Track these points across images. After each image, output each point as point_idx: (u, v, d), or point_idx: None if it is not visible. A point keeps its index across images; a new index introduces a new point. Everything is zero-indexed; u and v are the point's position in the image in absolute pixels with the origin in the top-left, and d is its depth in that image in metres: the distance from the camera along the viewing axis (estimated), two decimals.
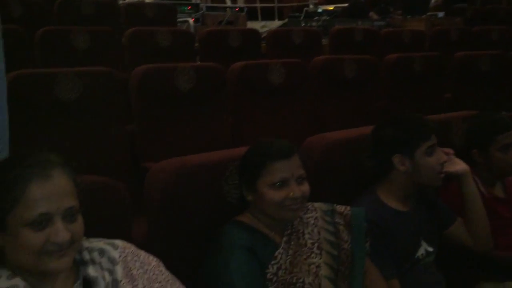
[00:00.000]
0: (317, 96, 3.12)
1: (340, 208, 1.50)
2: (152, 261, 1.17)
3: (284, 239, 1.38)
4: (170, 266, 1.22)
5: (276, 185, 1.33)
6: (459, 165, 1.69)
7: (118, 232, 1.24)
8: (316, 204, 1.48)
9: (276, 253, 1.33)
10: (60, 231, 0.97)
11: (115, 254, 1.12)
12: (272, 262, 1.32)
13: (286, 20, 6.87)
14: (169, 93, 2.52)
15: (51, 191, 0.98)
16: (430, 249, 1.66)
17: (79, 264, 1.08)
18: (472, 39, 4.99)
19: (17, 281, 0.99)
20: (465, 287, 1.85)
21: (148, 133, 2.51)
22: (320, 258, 1.37)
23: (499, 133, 1.88)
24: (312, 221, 1.44)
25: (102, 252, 1.11)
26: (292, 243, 1.37)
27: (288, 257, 1.34)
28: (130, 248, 1.16)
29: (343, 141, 1.70)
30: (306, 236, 1.41)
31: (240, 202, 1.44)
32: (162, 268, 1.18)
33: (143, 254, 1.17)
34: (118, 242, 1.15)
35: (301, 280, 1.30)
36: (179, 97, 2.54)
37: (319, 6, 7.46)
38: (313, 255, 1.38)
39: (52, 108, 2.15)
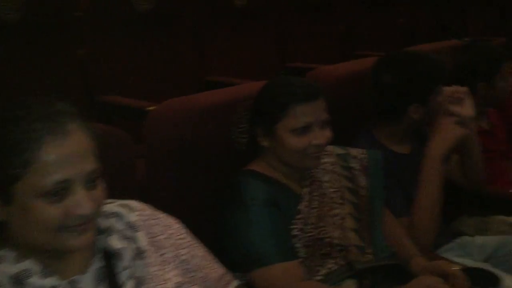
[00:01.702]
0: (283, 19, 2.91)
1: (354, 151, 1.37)
2: (174, 224, 0.99)
3: (307, 190, 1.24)
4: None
5: (298, 130, 1.16)
6: (469, 109, 1.46)
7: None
8: (330, 147, 1.33)
9: (301, 206, 1.20)
10: (83, 202, 0.76)
11: (133, 217, 0.92)
12: (297, 216, 1.18)
13: None
14: (125, 15, 2.20)
15: (70, 151, 0.75)
16: None
17: (96, 233, 0.87)
18: None
19: (28, 264, 0.78)
20: (447, 220, 1.86)
21: (101, 61, 2.20)
22: (344, 209, 1.26)
23: (503, 62, 1.83)
24: (330, 167, 1.31)
25: (118, 216, 0.91)
26: (315, 193, 1.24)
27: (313, 210, 1.21)
28: (148, 209, 0.97)
29: (351, 74, 1.55)
30: (326, 184, 1.28)
31: (252, 148, 1.26)
32: (184, 230, 1.01)
33: (162, 216, 0.99)
34: (134, 203, 0.96)
35: (329, 234, 1.19)
36: (136, 19, 2.22)
37: None
38: (336, 205, 1.26)
39: None
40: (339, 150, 1.37)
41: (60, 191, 0.75)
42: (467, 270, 1.21)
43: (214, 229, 1.17)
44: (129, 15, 2.24)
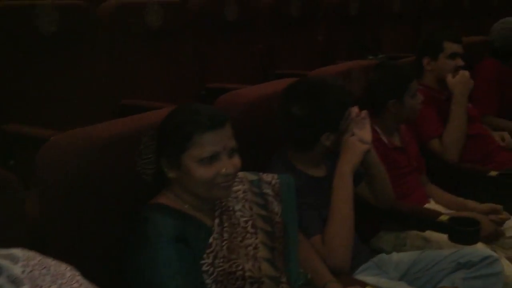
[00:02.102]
0: (199, 39, 2.87)
1: (267, 176, 1.35)
2: (66, 271, 0.91)
3: (216, 221, 1.19)
4: (78, 264, 0.96)
5: (205, 160, 1.12)
6: (367, 135, 1.49)
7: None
8: (241, 174, 1.30)
9: (211, 239, 1.15)
10: None
11: (17, 270, 0.83)
12: (207, 250, 1.13)
13: None
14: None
15: None
16: None
17: None
18: None
19: None
20: (365, 238, 1.88)
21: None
22: (256, 238, 1.22)
23: (411, 81, 1.88)
24: (242, 195, 1.27)
25: None
26: (226, 224, 1.20)
27: (224, 242, 1.16)
28: (35, 258, 0.88)
29: (261, 98, 1.53)
30: (238, 213, 1.24)
31: (158, 180, 1.20)
32: (79, 277, 0.92)
33: (52, 264, 0.90)
34: (18, 252, 0.86)
35: (241, 267, 1.14)
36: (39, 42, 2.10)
37: None
38: (248, 235, 1.22)
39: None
40: (251, 176, 1.33)
41: None
42: None
43: (120, 269, 1.10)
44: (33, 38, 2.11)
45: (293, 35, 3.44)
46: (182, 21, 2.72)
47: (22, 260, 0.85)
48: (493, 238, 1.80)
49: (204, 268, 1.11)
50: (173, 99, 2.49)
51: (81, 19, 2.27)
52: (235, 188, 1.27)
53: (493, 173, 2.01)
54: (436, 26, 4.15)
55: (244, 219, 1.24)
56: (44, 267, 0.87)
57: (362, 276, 1.47)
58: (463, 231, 1.58)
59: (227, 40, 3.00)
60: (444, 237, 1.64)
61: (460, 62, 2.25)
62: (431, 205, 1.97)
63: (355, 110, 1.47)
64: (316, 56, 3.62)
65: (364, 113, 1.50)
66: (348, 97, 1.48)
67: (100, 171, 1.13)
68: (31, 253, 0.88)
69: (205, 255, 1.12)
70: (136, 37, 2.52)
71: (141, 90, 2.50)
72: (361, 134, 1.47)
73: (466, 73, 2.21)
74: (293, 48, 3.43)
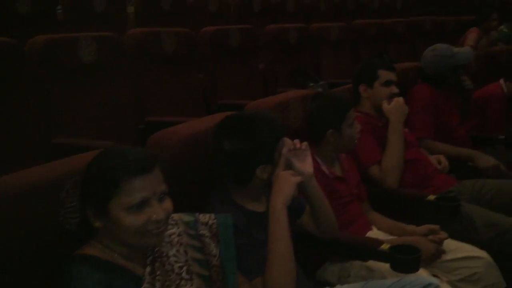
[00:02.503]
0: (138, 72, 2.82)
1: (204, 217, 1.30)
2: None
3: (147, 269, 1.12)
4: None
5: (134, 207, 1.06)
6: (309, 167, 1.47)
7: None
8: (176, 216, 1.25)
9: None
10: None
11: None
12: None
13: None
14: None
15: None
16: None
17: None
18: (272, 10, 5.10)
19: None
20: (311, 270, 1.86)
21: None
22: (192, 285, 1.17)
23: (348, 110, 1.90)
24: (176, 239, 1.22)
25: None
26: (158, 272, 1.13)
27: None
28: None
29: (195, 135, 1.48)
30: (172, 259, 1.18)
31: (83, 229, 1.13)
32: None
33: None
34: None
35: None
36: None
37: None
38: (183, 282, 1.16)
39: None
40: (187, 217, 1.28)
41: None
42: None
43: None
44: None
45: (234, 64, 3.44)
46: (118, 54, 2.65)
47: None
48: (435, 258, 1.82)
49: None
50: (110, 135, 2.41)
51: (10, 56, 2.17)
52: (169, 232, 1.21)
53: (431, 197, 2.04)
54: (372, 52, 4.29)
55: (179, 264, 1.18)
56: None
57: None
58: (404, 259, 1.58)
59: (166, 71, 2.96)
60: (387, 266, 1.64)
61: (394, 89, 2.30)
62: (374, 232, 1.97)
63: (295, 142, 1.44)
64: (258, 85, 3.63)
65: (305, 144, 1.47)
66: (280, 129, 1.46)
67: (17, 222, 1.05)
68: None
69: None
70: (69, 72, 2.44)
71: (76, 127, 2.40)
72: (301, 166, 1.44)
73: (400, 99, 2.27)
74: (235, 77, 3.43)
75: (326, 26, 4.26)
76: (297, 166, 1.43)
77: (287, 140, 1.45)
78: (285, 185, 1.38)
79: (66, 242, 1.11)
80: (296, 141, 1.46)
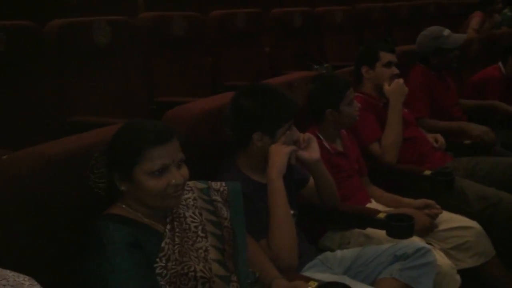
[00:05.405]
0: (148, 54, 2.93)
1: (216, 184, 1.44)
2: (25, 281, 0.96)
3: (168, 227, 1.27)
4: (34, 275, 1.02)
5: (155, 172, 1.20)
6: (315, 153, 1.62)
7: None
8: (191, 183, 1.39)
9: (163, 244, 1.22)
10: None
11: None
12: (160, 254, 1.20)
13: None
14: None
15: None
16: (292, 211, 1.71)
17: None
18: None
19: None
20: (313, 239, 2.00)
21: None
22: (207, 241, 1.31)
23: (346, 90, 2.02)
24: (192, 202, 1.36)
25: None
26: (177, 230, 1.27)
27: (176, 246, 1.24)
28: None
29: (207, 112, 1.61)
30: (189, 219, 1.32)
31: (110, 193, 1.27)
32: (37, 286, 0.98)
33: (11, 275, 0.95)
34: None
35: (192, 268, 1.23)
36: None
37: None
38: (199, 239, 1.30)
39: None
40: (201, 184, 1.42)
41: None
42: (321, 286, 1.31)
43: (75, 279, 1.16)
44: None
45: (241, 47, 3.54)
46: (130, 38, 2.77)
47: None
48: (428, 230, 1.95)
49: (158, 271, 1.19)
50: (123, 114, 2.55)
51: (28, 39, 2.30)
52: (185, 196, 1.35)
53: (427, 172, 2.17)
54: (376, 36, 4.38)
55: (195, 224, 1.32)
56: (4, 279, 0.93)
57: (308, 273, 1.58)
58: (398, 226, 1.71)
59: (175, 54, 3.07)
60: (383, 233, 1.77)
61: (395, 70, 2.41)
62: (373, 204, 2.11)
63: (300, 138, 1.59)
64: (263, 68, 3.74)
65: (307, 135, 1.63)
66: (292, 106, 1.58)
67: (53, 187, 1.18)
68: None
69: (158, 259, 1.20)
70: (84, 54, 2.56)
71: (90, 106, 2.53)
72: (306, 154, 1.60)
73: (400, 80, 2.38)
74: (241, 60, 3.54)
75: (331, 9, 4.35)
76: (303, 155, 1.59)
77: (298, 134, 1.59)
78: (278, 156, 1.52)
79: (95, 203, 1.25)
80: (301, 137, 1.61)
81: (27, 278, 0.97)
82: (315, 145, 1.62)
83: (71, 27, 2.50)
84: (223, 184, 1.44)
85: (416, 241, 1.72)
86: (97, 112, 2.54)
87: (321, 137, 2.03)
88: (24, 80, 2.27)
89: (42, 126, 2.34)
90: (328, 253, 1.72)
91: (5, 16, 2.53)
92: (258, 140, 1.56)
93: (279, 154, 1.52)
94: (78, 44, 2.52)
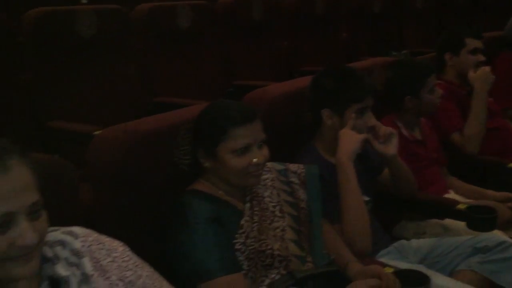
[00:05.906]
0: (226, 38, 2.99)
1: (293, 166, 1.46)
2: (118, 247, 1.04)
3: (247, 205, 1.31)
4: (125, 242, 1.09)
5: (238, 151, 1.24)
6: (392, 149, 1.59)
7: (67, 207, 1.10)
8: (269, 164, 1.42)
9: (242, 221, 1.26)
10: (26, 233, 0.80)
11: (77, 245, 0.96)
12: (240, 231, 1.25)
13: None
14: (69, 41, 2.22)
15: (11, 186, 0.80)
16: (367, 198, 1.70)
17: (42, 262, 0.91)
18: None
19: None
20: (388, 227, 1.97)
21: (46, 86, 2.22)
22: (284, 221, 1.34)
23: (428, 76, 1.96)
24: (270, 183, 1.39)
25: (63, 244, 0.95)
26: (256, 208, 1.31)
27: (254, 224, 1.28)
28: (92, 235, 1.01)
29: (286, 94, 1.64)
30: (267, 199, 1.35)
31: (194, 169, 1.33)
32: (129, 252, 1.06)
33: (107, 240, 1.03)
34: (77, 229, 1.00)
35: (270, 246, 1.26)
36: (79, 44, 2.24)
37: None
38: (276, 218, 1.33)
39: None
40: (278, 166, 1.45)
41: (4, 223, 0.79)
42: (399, 272, 1.30)
43: (160, 249, 1.23)
44: (73, 41, 2.26)
45: (317, 33, 3.53)
46: (210, 22, 2.84)
47: (81, 236, 0.98)
48: (510, 224, 1.87)
49: (237, 246, 1.23)
50: (202, 96, 2.62)
51: (117, 22, 2.42)
52: (263, 177, 1.38)
53: (511, 165, 2.07)
54: (458, 21, 4.19)
55: (273, 204, 1.35)
56: (100, 243, 1.01)
57: (383, 259, 1.57)
58: (480, 218, 1.65)
59: (253, 39, 3.11)
60: (462, 224, 1.72)
61: (481, 57, 2.31)
62: (451, 195, 2.04)
63: (379, 126, 1.58)
64: (339, 53, 3.71)
65: (389, 130, 1.59)
66: (364, 88, 1.56)
67: (143, 161, 1.26)
68: (88, 231, 1.02)
69: (237, 235, 1.24)
70: (167, 37, 2.65)
71: (172, 88, 2.63)
72: (383, 148, 1.57)
73: (487, 68, 2.27)
74: (318, 45, 3.52)
75: None
76: (378, 147, 1.57)
77: (377, 123, 1.58)
78: (349, 141, 1.49)
79: (179, 178, 1.31)
80: (382, 130, 1.58)
81: (121, 243, 1.05)
82: (394, 141, 1.58)
83: (157, 11, 2.60)
84: (301, 166, 1.46)
85: (498, 235, 1.65)
86: (177, 94, 2.64)
87: (399, 124, 1.99)
88: (113, 60, 2.40)
89: (127, 105, 2.45)
90: (403, 241, 1.70)
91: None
92: (327, 117, 1.56)
93: (351, 139, 1.50)
94: (163, 27, 2.61)
